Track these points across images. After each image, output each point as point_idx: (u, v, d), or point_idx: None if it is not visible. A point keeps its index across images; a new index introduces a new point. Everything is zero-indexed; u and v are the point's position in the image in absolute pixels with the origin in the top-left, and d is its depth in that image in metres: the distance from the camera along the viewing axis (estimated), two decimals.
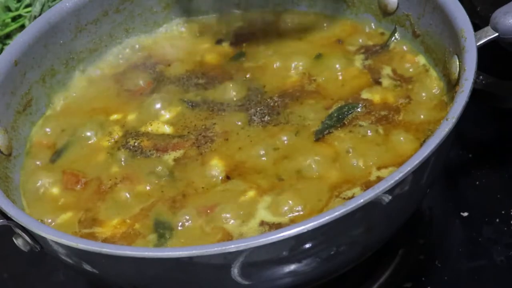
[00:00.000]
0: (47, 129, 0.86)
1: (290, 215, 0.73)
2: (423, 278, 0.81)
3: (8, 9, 1.10)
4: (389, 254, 0.83)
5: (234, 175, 0.78)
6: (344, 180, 0.75)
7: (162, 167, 0.79)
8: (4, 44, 1.08)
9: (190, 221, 0.74)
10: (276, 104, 0.84)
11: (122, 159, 0.81)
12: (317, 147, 0.79)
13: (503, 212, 0.85)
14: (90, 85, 0.91)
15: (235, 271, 0.66)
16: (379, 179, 0.74)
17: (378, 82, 0.85)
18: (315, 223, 0.63)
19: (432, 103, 0.80)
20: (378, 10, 0.90)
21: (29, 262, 0.88)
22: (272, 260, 0.66)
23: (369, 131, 0.79)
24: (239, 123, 0.83)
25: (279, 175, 0.77)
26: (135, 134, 0.84)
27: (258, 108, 0.84)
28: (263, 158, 0.78)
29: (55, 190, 0.80)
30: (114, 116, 0.87)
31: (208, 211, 0.74)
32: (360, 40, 0.90)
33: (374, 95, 0.83)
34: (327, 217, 0.63)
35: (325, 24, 0.93)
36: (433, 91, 0.81)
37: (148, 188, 0.78)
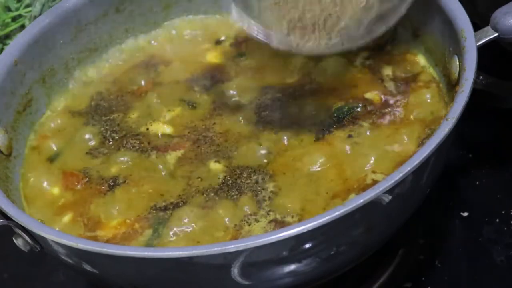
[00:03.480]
0: (47, 129, 0.86)
1: (289, 215, 0.73)
2: (423, 278, 0.81)
3: (8, 9, 1.10)
4: (389, 254, 0.83)
5: (234, 175, 0.78)
6: (344, 179, 0.75)
7: (162, 167, 0.79)
8: (4, 44, 1.08)
9: (188, 220, 0.74)
10: (276, 104, 0.84)
11: (122, 159, 0.81)
12: (317, 147, 0.79)
13: (503, 212, 0.85)
14: (90, 85, 0.91)
15: (235, 271, 0.66)
16: (378, 179, 0.74)
17: (378, 82, 0.84)
18: (315, 223, 0.63)
19: (432, 103, 0.80)
20: None
21: (29, 262, 0.88)
22: (272, 260, 0.66)
23: (368, 131, 0.79)
24: (239, 123, 0.83)
25: (279, 175, 0.77)
26: (135, 134, 0.84)
27: (258, 108, 0.84)
28: (263, 158, 0.78)
29: (55, 190, 0.80)
30: (114, 116, 0.87)
31: (208, 211, 0.74)
32: None
33: (374, 95, 0.83)
34: (327, 217, 0.63)
35: None
36: (433, 91, 0.81)
37: (147, 188, 0.78)
